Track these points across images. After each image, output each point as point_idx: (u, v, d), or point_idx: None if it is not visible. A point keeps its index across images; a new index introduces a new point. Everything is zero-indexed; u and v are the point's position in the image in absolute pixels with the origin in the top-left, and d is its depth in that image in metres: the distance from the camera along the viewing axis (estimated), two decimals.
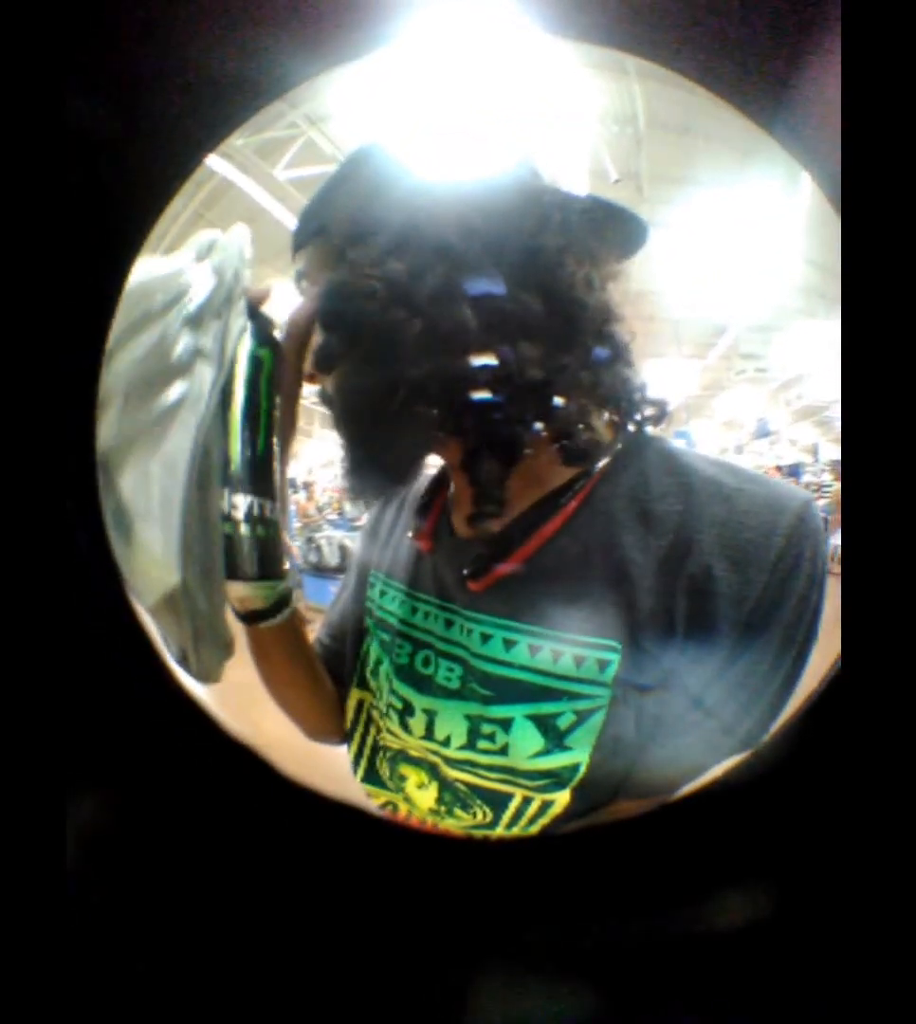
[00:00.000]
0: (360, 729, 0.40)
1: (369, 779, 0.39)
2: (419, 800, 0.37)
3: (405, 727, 0.36)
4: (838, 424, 0.39)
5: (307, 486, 0.39)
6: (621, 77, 0.42)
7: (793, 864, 0.33)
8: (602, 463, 0.32)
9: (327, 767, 0.40)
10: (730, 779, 0.32)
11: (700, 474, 0.31)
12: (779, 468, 0.46)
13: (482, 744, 0.33)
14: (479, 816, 0.34)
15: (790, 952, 0.33)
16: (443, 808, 0.36)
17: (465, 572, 0.34)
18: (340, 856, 0.37)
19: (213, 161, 0.42)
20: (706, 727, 0.31)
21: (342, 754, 0.41)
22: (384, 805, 0.39)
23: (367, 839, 0.38)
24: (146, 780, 0.36)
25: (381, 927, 0.35)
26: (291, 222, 0.37)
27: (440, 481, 0.38)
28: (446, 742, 0.34)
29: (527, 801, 0.33)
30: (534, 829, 0.34)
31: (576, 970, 0.34)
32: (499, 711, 0.33)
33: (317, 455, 0.40)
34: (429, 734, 0.35)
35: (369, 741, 0.39)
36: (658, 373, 0.37)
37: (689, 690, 0.31)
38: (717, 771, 0.32)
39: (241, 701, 0.39)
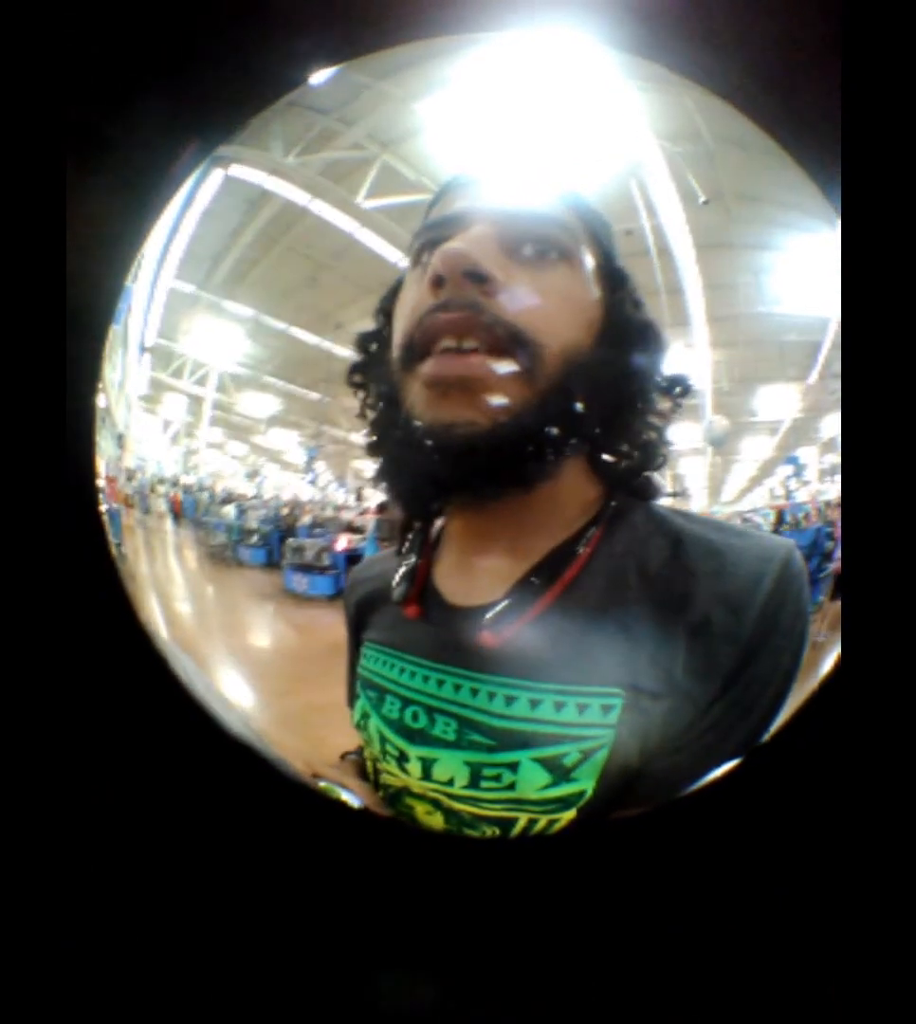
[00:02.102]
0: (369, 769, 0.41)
1: (384, 805, 0.39)
2: (428, 823, 0.37)
3: (404, 771, 0.37)
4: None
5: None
6: (666, 87, 0.41)
7: (793, 863, 0.33)
8: (602, 520, 0.35)
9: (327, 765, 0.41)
10: (730, 779, 0.33)
11: (688, 533, 0.34)
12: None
13: (487, 784, 0.34)
14: (488, 833, 0.36)
15: (791, 952, 0.32)
16: (452, 829, 0.37)
17: (487, 622, 0.34)
18: (341, 853, 0.36)
19: (271, 183, 0.41)
20: (709, 734, 0.33)
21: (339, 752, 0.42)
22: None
23: (366, 836, 0.37)
24: (147, 778, 0.35)
25: (372, 920, 0.34)
26: (387, 251, 0.36)
27: (421, 543, 0.38)
28: (449, 783, 0.35)
29: (533, 822, 0.34)
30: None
31: (574, 967, 0.33)
32: (504, 757, 0.34)
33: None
34: (428, 776, 0.36)
35: (378, 779, 0.40)
36: (764, 396, 0.35)
37: (692, 708, 0.33)
38: (717, 772, 0.33)
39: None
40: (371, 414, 0.36)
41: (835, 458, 0.42)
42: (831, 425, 0.40)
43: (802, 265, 0.39)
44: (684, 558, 0.33)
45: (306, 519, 0.38)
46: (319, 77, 0.44)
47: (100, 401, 0.45)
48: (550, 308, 0.32)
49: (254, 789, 0.36)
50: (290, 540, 0.39)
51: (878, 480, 0.26)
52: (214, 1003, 0.33)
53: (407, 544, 0.38)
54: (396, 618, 0.38)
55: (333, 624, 0.40)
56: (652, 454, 0.35)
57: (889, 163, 0.25)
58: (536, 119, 0.39)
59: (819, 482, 0.40)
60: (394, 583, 0.37)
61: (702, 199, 0.36)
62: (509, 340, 0.31)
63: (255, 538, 0.40)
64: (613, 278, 0.35)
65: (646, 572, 0.33)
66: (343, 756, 0.41)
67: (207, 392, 0.44)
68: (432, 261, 0.32)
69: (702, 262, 0.35)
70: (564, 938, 0.34)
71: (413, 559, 0.37)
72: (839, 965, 0.27)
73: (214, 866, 0.35)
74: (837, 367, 0.43)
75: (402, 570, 0.37)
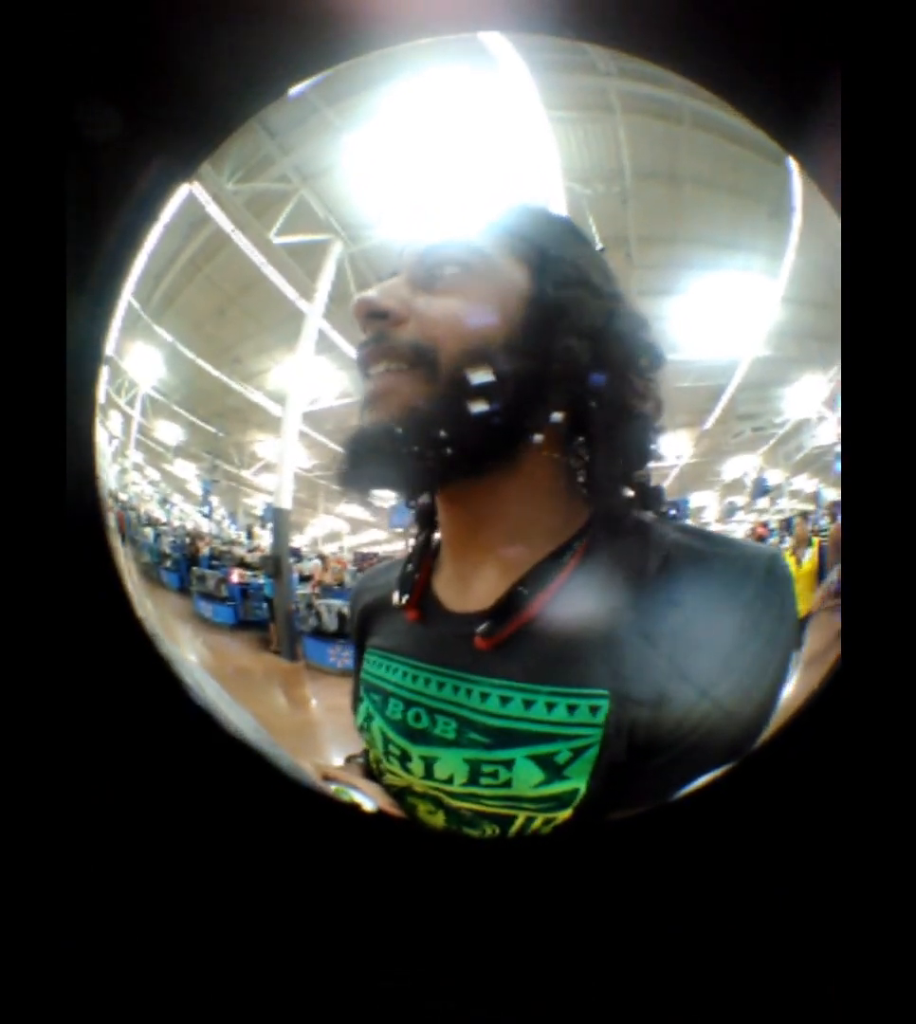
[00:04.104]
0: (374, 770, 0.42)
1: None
2: (430, 822, 0.39)
3: (406, 770, 0.38)
4: (837, 467, 0.39)
5: (323, 558, 0.40)
6: (606, 116, 0.41)
7: (793, 863, 0.33)
8: (589, 531, 0.36)
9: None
10: (730, 779, 0.33)
11: (674, 541, 0.35)
12: (765, 527, 0.46)
13: (485, 781, 0.36)
14: (488, 831, 0.37)
15: (791, 952, 0.32)
16: (453, 828, 0.38)
17: (479, 630, 0.35)
18: (342, 852, 0.36)
19: (211, 208, 0.42)
20: (697, 736, 0.33)
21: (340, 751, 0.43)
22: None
23: (364, 834, 0.37)
24: (148, 777, 0.35)
25: (368, 918, 0.34)
26: (290, 292, 0.37)
27: (421, 554, 0.40)
28: (449, 781, 0.36)
29: (531, 820, 0.35)
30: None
31: (574, 967, 0.33)
32: (500, 754, 0.35)
33: (322, 528, 0.40)
34: (429, 775, 0.37)
35: (381, 780, 0.41)
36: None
37: (678, 709, 0.33)
38: (717, 772, 0.33)
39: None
40: None
41: (740, 498, 0.42)
42: (735, 467, 0.41)
43: (710, 307, 0.40)
44: (669, 565, 0.35)
45: (205, 550, 0.39)
46: (291, 93, 0.44)
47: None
48: (454, 320, 0.35)
49: (256, 790, 0.37)
50: (194, 569, 0.39)
51: (878, 483, 0.26)
52: (212, 1001, 0.34)
53: (409, 554, 0.41)
54: (397, 625, 0.40)
55: (240, 650, 0.41)
56: (631, 455, 0.36)
57: (889, 165, 0.25)
58: (455, 159, 0.40)
59: (722, 523, 0.41)
60: (396, 588, 0.40)
61: (598, 246, 0.37)
62: (413, 355, 0.35)
63: (169, 562, 0.41)
64: (541, 271, 0.36)
65: (631, 578, 0.34)
66: (348, 759, 0.43)
67: (134, 414, 0.45)
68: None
69: None
70: (565, 938, 0.34)
71: (413, 567, 0.40)
72: (839, 965, 0.27)
73: (212, 864, 0.36)
74: (745, 408, 0.44)
75: (403, 577, 0.40)
